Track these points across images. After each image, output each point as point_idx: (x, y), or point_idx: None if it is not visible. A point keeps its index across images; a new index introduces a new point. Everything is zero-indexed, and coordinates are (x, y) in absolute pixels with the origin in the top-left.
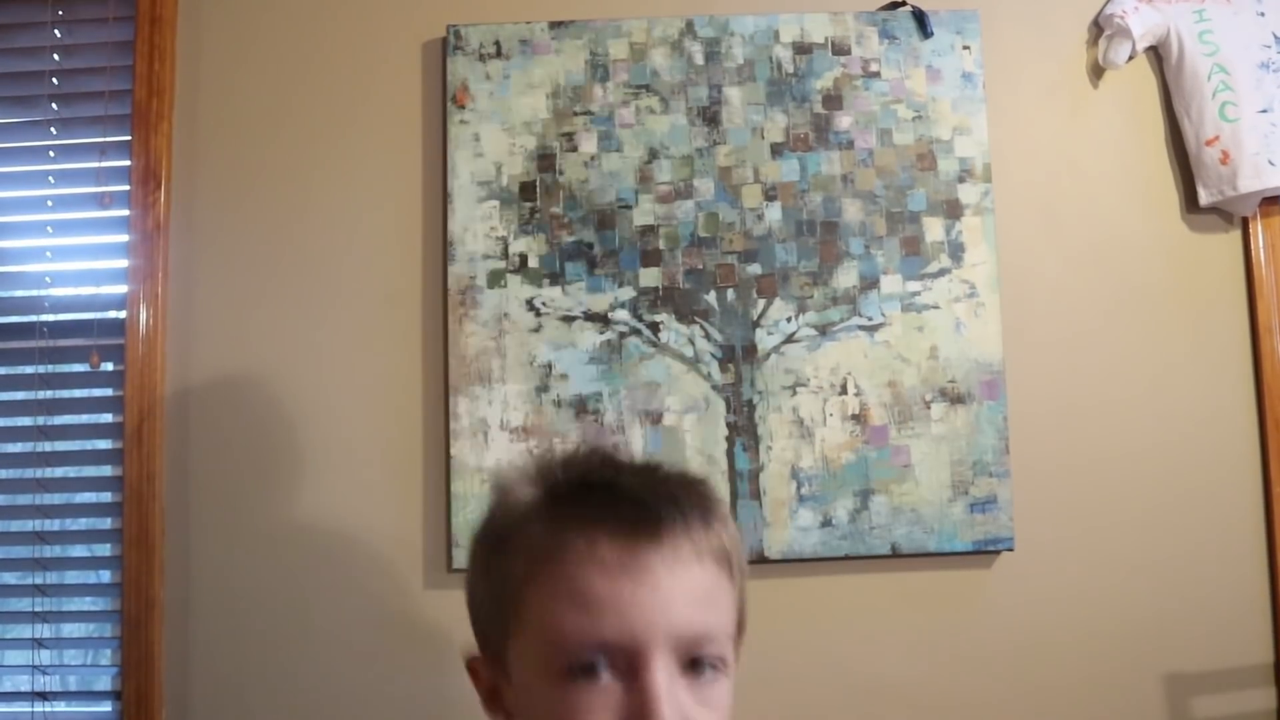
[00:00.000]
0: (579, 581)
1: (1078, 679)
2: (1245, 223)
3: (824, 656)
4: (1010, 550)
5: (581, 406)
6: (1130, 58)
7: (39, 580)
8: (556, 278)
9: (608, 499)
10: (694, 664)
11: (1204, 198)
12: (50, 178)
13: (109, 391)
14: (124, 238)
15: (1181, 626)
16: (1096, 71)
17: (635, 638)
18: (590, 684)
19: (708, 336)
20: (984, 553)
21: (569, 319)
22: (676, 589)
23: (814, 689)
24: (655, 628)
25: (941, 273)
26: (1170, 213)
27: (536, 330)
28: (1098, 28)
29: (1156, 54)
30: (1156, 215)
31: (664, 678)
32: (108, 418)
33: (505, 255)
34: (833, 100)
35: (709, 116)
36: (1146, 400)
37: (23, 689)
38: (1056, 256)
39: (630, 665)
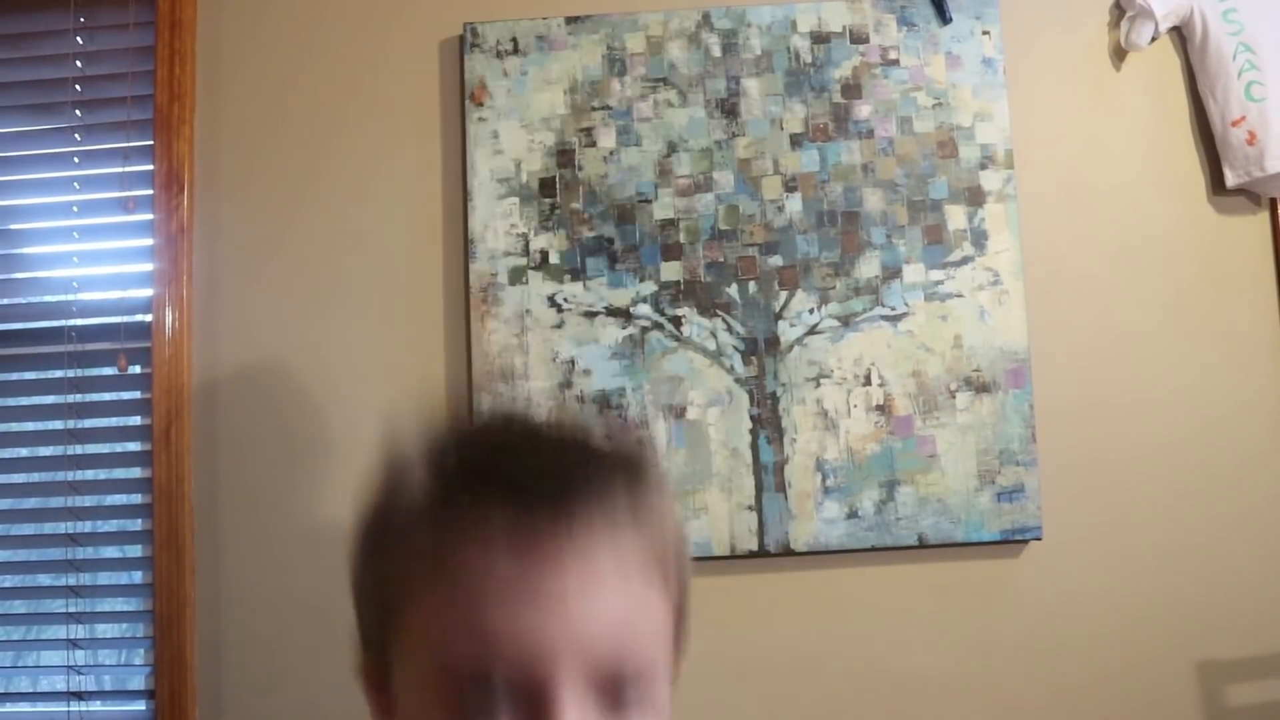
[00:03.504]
0: (469, 603)
1: (1109, 668)
2: (1273, 204)
3: (851, 649)
4: (1039, 540)
5: (605, 402)
6: (1153, 39)
7: (72, 582)
8: (578, 273)
9: (508, 494)
10: (617, 689)
11: (1230, 179)
12: (75, 183)
13: (137, 394)
14: (148, 241)
15: (1214, 614)
16: (1119, 54)
17: (537, 675)
18: (483, 710)
19: (730, 329)
20: (1012, 542)
21: (591, 314)
22: (591, 614)
23: (842, 681)
24: (562, 662)
25: (965, 261)
26: (1196, 195)
27: (559, 326)
28: (1119, 9)
29: (1180, 34)
30: (1182, 198)
31: (574, 717)
32: (136, 420)
33: (526, 252)
34: (852, 89)
35: (727, 108)
36: (1175, 386)
37: (59, 689)
38: (1081, 242)
39: (533, 700)
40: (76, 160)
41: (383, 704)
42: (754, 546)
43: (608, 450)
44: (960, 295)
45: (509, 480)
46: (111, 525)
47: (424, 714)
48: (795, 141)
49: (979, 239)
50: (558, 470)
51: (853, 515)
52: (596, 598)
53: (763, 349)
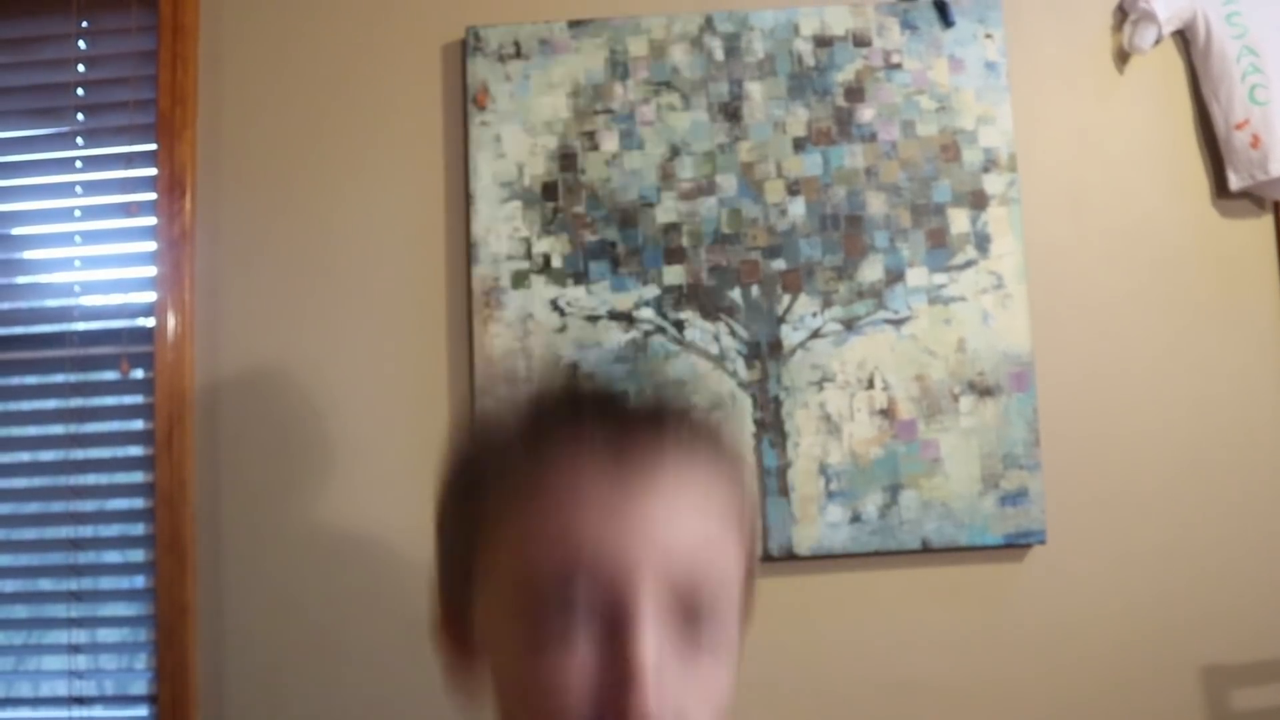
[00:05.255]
0: (558, 513)
1: (1113, 673)
2: (1277, 207)
3: (855, 653)
4: (1042, 543)
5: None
6: (1156, 42)
7: (74, 586)
8: (580, 277)
9: (605, 415)
10: (691, 623)
11: (1234, 182)
12: (77, 187)
13: (139, 398)
14: (150, 246)
15: (1219, 618)
16: (1122, 57)
17: (618, 585)
18: (564, 648)
19: (733, 333)
20: (1016, 546)
21: (594, 318)
22: (674, 535)
23: (845, 686)
24: (643, 575)
25: (968, 264)
26: (1200, 198)
27: (562, 330)
28: (1122, 12)
29: (1183, 37)
30: (1186, 201)
31: (652, 640)
32: (138, 424)
33: (529, 256)
34: (854, 93)
35: (730, 112)
36: (1179, 389)
37: (60, 694)
38: (1084, 245)
39: (613, 617)
40: (78, 164)
41: (460, 653)
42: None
43: (696, 406)
44: (963, 299)
45: (606, 405)
46: (113, 530)
47: (505, 636)
48: (798, 145)
49: (982, 242)
50: (654, 403)
51: (856, 519)
52: (680, 521)
53: (765, 353)
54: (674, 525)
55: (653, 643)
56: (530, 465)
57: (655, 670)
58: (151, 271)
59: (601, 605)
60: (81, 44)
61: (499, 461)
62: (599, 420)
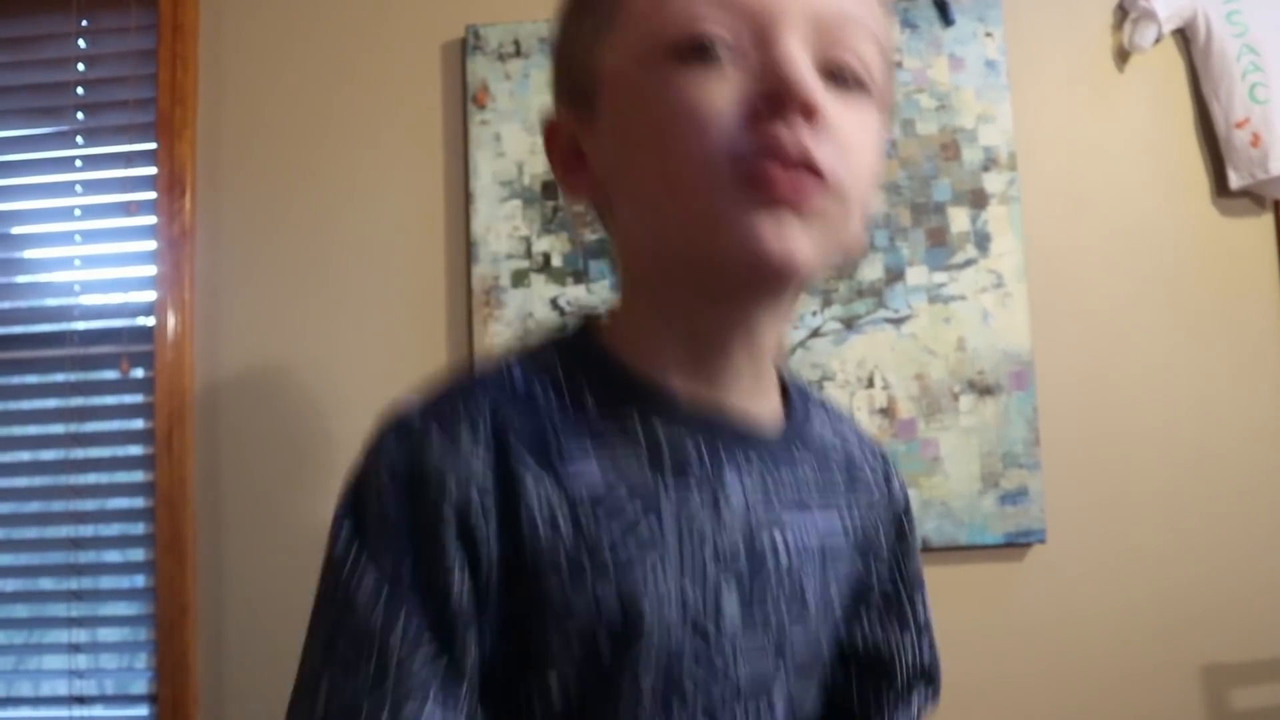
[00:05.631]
0: None
1: (1114, 672)
2: (1277, 205)
3: None
4: (1042, 542)
5: None
6: (1156, 40)
7: (74, 586)
8: (580, 276)
9: None
10: (835, 75)
11: (1234, 181)
12: (77, 186)
13: (139, 398)
14: (150, 245)
15: (1219, 617)
16: (1122, 56)
17: (766, 12)
18: (704, 66)
19: None
20: (1016, 545)
21: None
22: None
23: None
24: (792, 5)
25: (968, 263)
26: (1200, 197)
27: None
28: (1122, 11)
29: (1183, 36)
30: (1186, 200)
31: (799, 51)
32: (139, 424)
33: (529, 254)
34: None
35: None
36: (1179, 388)
37: (60, 693)
38: (1084, 244)
39: (756, 42)
40: (78, 164)
41: (574, 151)
42: None
43: None
44: (963, 298)
45: None
46: (114, 529)
47: (638, 76)
48: None
49: (982, 241)
50: None
51: None
52: None
53: None
54: None
55: (800, 53)
56: None
57: (808, 69)
58: (151, 270)
59: (745, 40)
60: (81, 43)
61: None
62: None
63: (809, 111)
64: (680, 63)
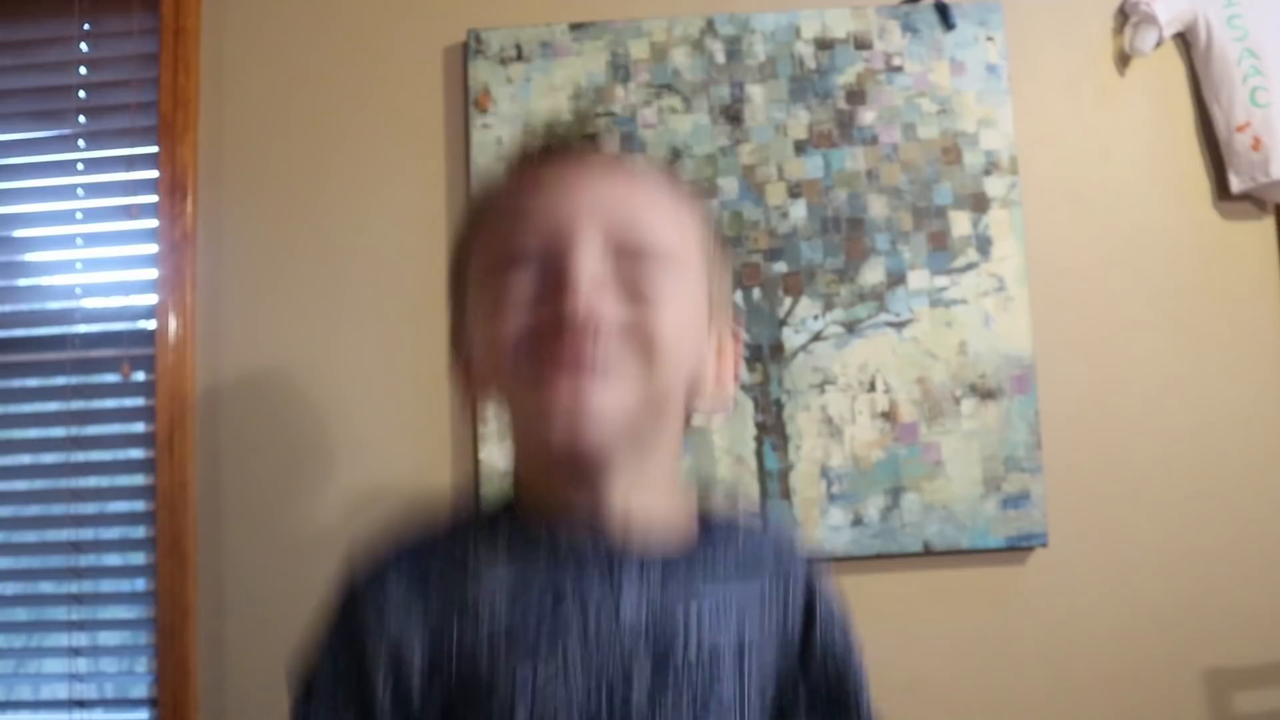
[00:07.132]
0: (515, 207)
1: (1116, 675)
2: (1278, 209)
3: None
4: (1044, 546)
5: None
6: (1157, 44)
7: (74, 589)
8: None
9: (567, 145)
10: (632, 268)
11: (1235, 185)
12: (79, 190)
13: (140, 401)
14: (152, 248)
15: (1221, 621)
16: (1123, 60)
17: (560, 232)
18: (516, 272)
19: None
20: (1018, 549)
21: None
22: (609, 191)
23: None
24: (580, 219)
25: (969, 267)
26: (1201, 201)
27: None
28: (1123, 15)
29: (1184, 40)
30: (1187, 204)
31: (586, 254)
32: (139, 427)
33: None
34: (856, 95)
35: (731, 115)
36: (1180, 391)
37: (60, 697)
38: (1086, 248)
39: (555, 249)
40: (80, 167)
41: (467, 367)
42: None
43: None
44: (965, 301)
45: (575, 138)
46: (114, 533)
47: (481, 310)
48: (799, 148)
49: (983, 245)
50: (620, 141)
51: (858, 522)
52: (615, 184)
53: (767, 356)
54: (609, 188)
55: (586, 258)
56: (506, 184)
57: (587, 278)
58: (153, 274)
59: (549, 252)
60: (83, 46)
61: (485, 199)
62: (567, 146)
63: (575, 286)
64: (503, 280)
